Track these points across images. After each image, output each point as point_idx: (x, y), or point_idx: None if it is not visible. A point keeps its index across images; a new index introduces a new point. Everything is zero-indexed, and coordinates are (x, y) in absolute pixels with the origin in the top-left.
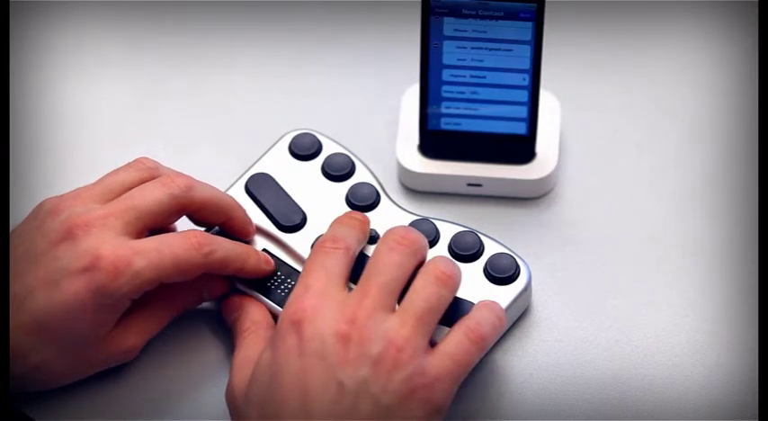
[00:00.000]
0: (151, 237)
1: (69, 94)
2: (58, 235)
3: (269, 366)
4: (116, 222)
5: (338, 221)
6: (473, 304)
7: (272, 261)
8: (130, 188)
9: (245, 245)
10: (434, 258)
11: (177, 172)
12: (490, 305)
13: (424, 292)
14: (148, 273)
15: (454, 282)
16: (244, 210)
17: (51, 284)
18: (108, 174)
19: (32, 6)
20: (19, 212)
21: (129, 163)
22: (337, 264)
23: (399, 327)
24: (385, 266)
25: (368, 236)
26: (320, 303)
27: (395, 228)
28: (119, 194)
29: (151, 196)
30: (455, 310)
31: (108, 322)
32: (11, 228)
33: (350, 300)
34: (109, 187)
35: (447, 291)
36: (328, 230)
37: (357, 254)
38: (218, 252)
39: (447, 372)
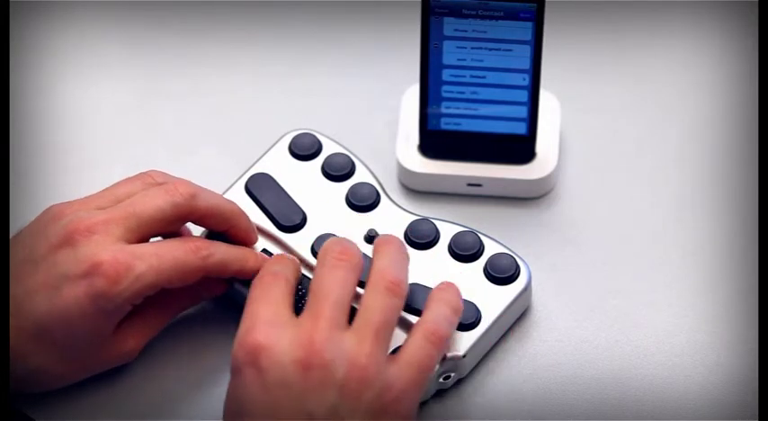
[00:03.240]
0: (149, 242)
1: (69, 94)
2: (58, 239)
3: (235, 401)
4: (117, 229)
5: (270, 262)
6: (474, 305)
7: None
8: None
9: (244, 247)
10: (377, 266)
11: (182, 180)
12: (445, 297)
13: (376, 305)
14: (149, 277)
15: (403, 289)
16: (247, 218)
17: (52, 289)
18: (115, 184)
19: (32, 6)
20: (19, 213)
21: (138, 175)
22: (281, 292)
23: (359, 345)
24: (331, 285)
25: (300, 273)
26: (273, 331)
27: (329, 243)
28: None
29: (152, 203)
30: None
31: (108, 327)
32: (15, 231)
33: (303, 323)
34: (116, 196)
35: (398, 300)
36: (263, 268)
37: (295, 286)
38: (215, 255)
39: (412, 382)
